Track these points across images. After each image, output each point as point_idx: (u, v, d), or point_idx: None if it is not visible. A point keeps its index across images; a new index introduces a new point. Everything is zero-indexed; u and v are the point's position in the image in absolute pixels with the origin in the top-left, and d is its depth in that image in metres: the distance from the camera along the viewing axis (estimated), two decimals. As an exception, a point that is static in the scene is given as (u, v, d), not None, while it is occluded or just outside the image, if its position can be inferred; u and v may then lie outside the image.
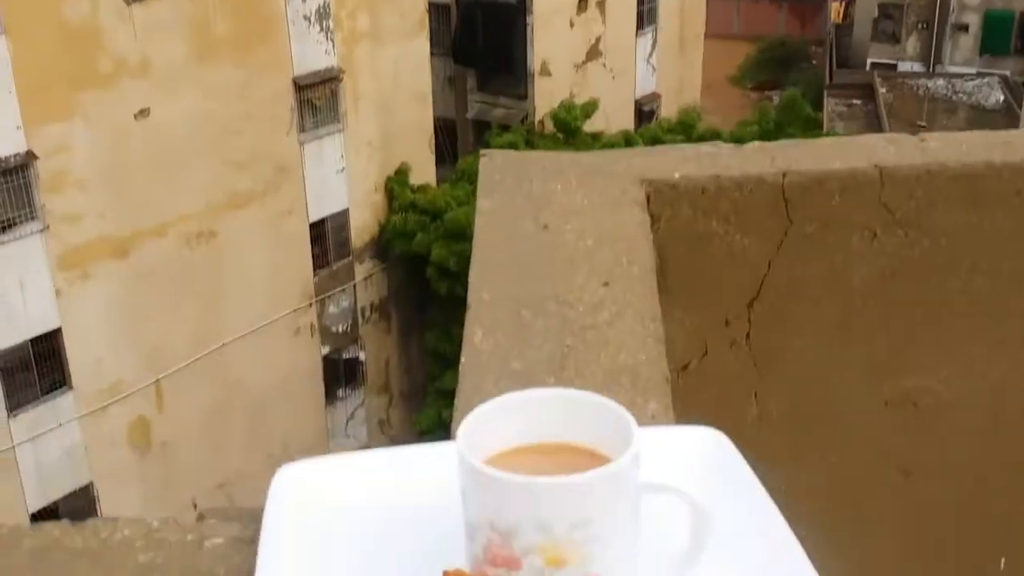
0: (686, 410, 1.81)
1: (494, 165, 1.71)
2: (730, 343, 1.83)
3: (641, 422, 0.99)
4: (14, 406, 14.00)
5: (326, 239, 17.20)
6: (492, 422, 0.74)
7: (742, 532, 0.78)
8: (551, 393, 0.76)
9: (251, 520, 0.87)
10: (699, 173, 1.64)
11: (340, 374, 18.07)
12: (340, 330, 17.89)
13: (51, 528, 0.87)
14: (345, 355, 18.13)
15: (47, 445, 14.34)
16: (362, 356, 18.38)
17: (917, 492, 1.87)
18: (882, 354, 1.79)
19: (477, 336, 1.19)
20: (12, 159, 13.13)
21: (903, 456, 1.85)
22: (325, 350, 17.68)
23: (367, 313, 18.31)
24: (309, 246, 16.85)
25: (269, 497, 0.83)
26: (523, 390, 0.76)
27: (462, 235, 15.25)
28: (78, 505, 14.42)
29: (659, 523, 0.73)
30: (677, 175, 1.63)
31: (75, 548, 0.84)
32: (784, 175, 1.63)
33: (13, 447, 13.99)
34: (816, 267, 1.72)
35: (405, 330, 18.86)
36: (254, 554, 0.78)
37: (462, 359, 1.15)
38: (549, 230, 1.47)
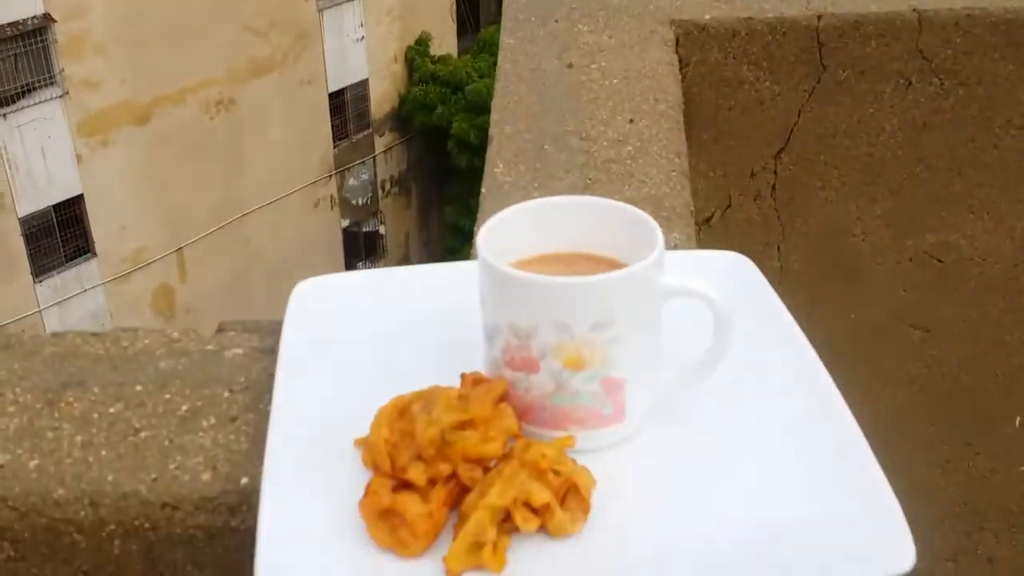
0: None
1: (518, 4, 1.66)
2: (755, 195, 1.80)
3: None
4: (39, 271, 14.16)
5: (345, 110, 17.02)
6: (513, 228, 0.73)
7: (765, 348, 0.77)
8: (573, 200, 0.74)
9: (271, 332, 0.87)
10: (731, 15, 1.59)
11: (360, 247, 18.13)
12: (360, 203, 17.87)
13: (72, 336, 0.87)
14: (365, 228, 18.15)
15: (73, 309, 14.56)
16: (382, 229, 18.40)
17: (935, 349, 1.87)
18: (908, 208, 1.76)
19: (498, 168, 1.17)
20: (29, 22, 12.95)
21: (923, 312, 1.84)
22: (345, 223, 17.70)
23: (387, 186, 18.25)
24: (328, 117, 16.70)
25: (288, 309, 0.83)
26: (545, 197, 0.74)
27: (483, 108, 15.03)
28: (104, 369, 14.71)
29: (681, 331, 0.73)
30: (707, 17, 1.58)
31: (95, 354, 0.84)
32: (819, 18, 1.57)
33: (40, 311, 14.21)
34: (847, 117, 1.68)
35: (425, 204, 18.83)
36: (274, 363, 0.78)
37: (482, 190, 1.13)
38: (574, 68, 1.44)
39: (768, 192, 1.79)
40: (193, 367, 0.83)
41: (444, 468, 0.65)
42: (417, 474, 0.65)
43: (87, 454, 0.74)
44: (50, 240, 14.15)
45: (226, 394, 0.80)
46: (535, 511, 0.63)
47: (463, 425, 0.66)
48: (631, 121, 1.27)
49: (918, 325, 1.87)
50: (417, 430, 0.66)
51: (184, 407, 0.78)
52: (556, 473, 0.64)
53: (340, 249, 17.72)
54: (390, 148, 17.97)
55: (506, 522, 0.63)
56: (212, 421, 0.77)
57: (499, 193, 1.11)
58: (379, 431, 0.67)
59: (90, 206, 14.26)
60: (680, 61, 1.63)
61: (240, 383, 0.81)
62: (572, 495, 0.64)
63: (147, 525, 0.71)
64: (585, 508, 0.64)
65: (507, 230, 0.72)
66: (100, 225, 14.46)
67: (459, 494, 0.65)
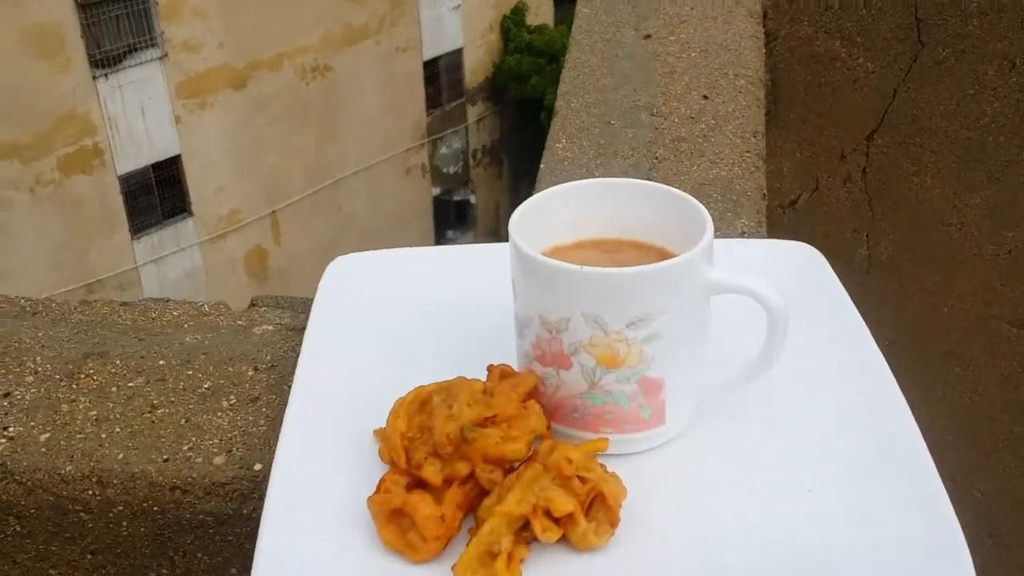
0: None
1: (598, -28, 1.58)
2: (844, 179, 1.71)
3: (729, 239, 0.91)
4: (137, 229, 14.53)
5: (439, 79, 17.02)
6: (552, 211, 0.67)
7: (827, 351, 0.70)
8: (617, 183, 0.68)
9: (303, 309, 0.84)
10: (822, -14, 1.49)
11: (450, 215, 18.18)
12: (451, 172, 17.91)
13: (100, 305, 0.84)
14: (456, 197, 18.19)
15: (169, 267, 14.92)
16: (472, 199, 18.42)
17: (1031, 348, 1.75)
18: (1009, 198, 1.65)
19: (560, 143, 1.11)
20: (133, -16, 13.23)
21: (1019, 307, 1.73)
22: (436, 191, 17.76)
23: (479, 156, 18.24)
24: (423, 85, 16.73)
25: (320, 286, 0.78)
26: (586, 179, 0.68)
27: (578, 79, 14.84)
28: (197, 327, 15.06)
29: (734, 325, 0.66)
30: (797, -13, 1.48)
31: (122, 325, 0.81)
32: (918, -9, 1.47)
33: (136, 267, 14.59)
34: (945, 98, 1.57)
35: (516, 174, 18.77)
36: (301, 343, 0.74)
37: (541, 165, 1.07)
38: (652, 40, 1.36)
39: (859, 176, 1.70)
40: (220, 343, 0.79)
41: (462, 468, 0.60)
42: (432, 472, 0.60)
43: (100, 430, 0.71)
44: (148, 198, 14.48)
45: (250, 373, 0.76)
46: (557, 521, 0.58)
47: (485, 422, 0.61)
48: (705, 97, 1.19)
49: (1015, 322, 1.75)
50: (436, 425, 0.61)
51: (206, 384, 0.75)
52: (582, 480, 0.59)
53: (430, 217, 17.80)
54: (483, 118, 17.94)
55: (525, 531, 0.58)
56: (232, 400, 0.73)
57: (558, 170, 1.05)
58: (396, 424, 0.62)
59: (187, 167, 14.56)
60: (767, 35, 1.54)
61: (266, 362, 0.77)
62: (599, 505, 0.59)
63: (156, 508, 0.68)
64: (613, 520, 0.59)
65: (546, 212, 0.66)
66: (197, 186, 14.76)
67: (476, 496, 0.60)
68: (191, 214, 15.00)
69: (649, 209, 0.66)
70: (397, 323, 0.75)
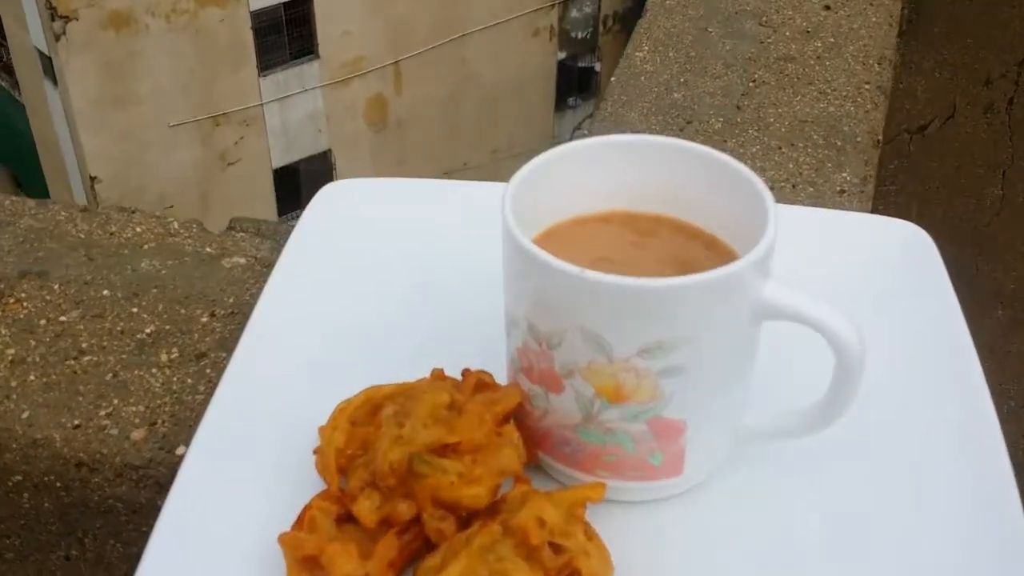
0: (911, 179, 1.49)
1: None
2: (986, 107, 1.47)
3: (823, 197, 0.74)
4: (264, 66, 14.55)
5: (579, -64, 16.35)
6: (575, 171, 0.51)
7: (919, 379, 0.53)
8: (659, 142, 0.51)
9: (285, 241, 0.70)
10: None
11: (573, 82, 17.72)
12: (579, 37, 17.35)
13: (58, 210, 0.72)
14: (581, 63, 17.67)
15: (292, 108, 14.98)
16: (598, 67, 17.87)
17: None
18: None
19: (641, 52, 0.93)
20: None
21: None
22: (561, 56, 17.27)
23: (609, 23, 17.60)
24: (561, -59, 16.11)
25: (302, 217, 0.64)
26: (619, 134, 0.51)
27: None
28: (316, 168, 15.20)
29: (788, 354, 0.50)
30: None
31: (74, 239, 0.69)
32: None
33: (262, 104, 14.69)
34: None
35: (647, 45, 18.10)
36: (269, 284, 0.60)
37: (612, 78, 0.89)
38: (775, -72, 1.14)
39: (1003, 106, 1.46)
40: (179, 275, 0.66)
41: (404, 509, 0.46)
42: (367, 510, 0.46)
43: (12, 375, 0.59)
44: (277, 37, 14.44)
45: (204, 319, 0.63)
46: (513, 602, 0.44)
47: (444, 450, 0.47)
48: (828, 8, 0.99)
49: None
50: (380, 447, 0.47)
51: (148, 328, 0.62)
52: (556, 549, 0.44)
53: (553, 82, 17.37)
54: (618, -18, 17.24)
55: (470, 608, 0.44)
56: (174, 354, 0.61)
57: (631, 85, 0.88)
58: (332, 437, 0.48)
59: (317, 7, 14.42)
60: (920, -70, 1.30)
61: (227, 306, 0.64)
62: (572, 585, 0.45)
63: (59, 484, 0.56)
64: (588, 607, 0.44)
65: (557, 177, 0.50)
66: (325, 28, 14.65)
67: (419, 548, 0.46)
68: (317, 56, 14.96)
69: (702, 182, 0.49)
70: (380, 282, 0.60)
